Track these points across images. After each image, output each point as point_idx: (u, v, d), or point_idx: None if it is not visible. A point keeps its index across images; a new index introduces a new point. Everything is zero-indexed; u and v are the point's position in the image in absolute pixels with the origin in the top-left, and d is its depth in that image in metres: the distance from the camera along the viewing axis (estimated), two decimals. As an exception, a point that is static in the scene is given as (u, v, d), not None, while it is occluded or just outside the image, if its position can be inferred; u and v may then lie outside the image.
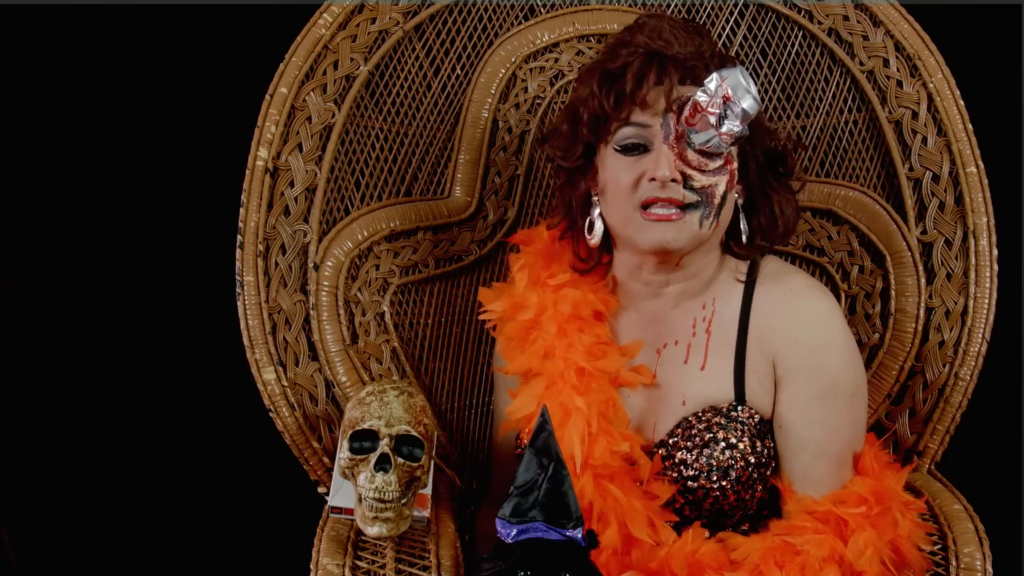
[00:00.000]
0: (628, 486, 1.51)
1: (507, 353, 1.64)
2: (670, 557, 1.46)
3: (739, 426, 1.50)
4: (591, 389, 1.55)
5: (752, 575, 1.45)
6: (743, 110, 1.42)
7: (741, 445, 1.49)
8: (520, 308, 1.63)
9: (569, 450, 1.51)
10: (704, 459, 1.49)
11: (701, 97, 1.42)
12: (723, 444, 1.49)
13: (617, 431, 1.53)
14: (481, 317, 1.72)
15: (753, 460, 1.50)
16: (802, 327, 1.52)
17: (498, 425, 1.71)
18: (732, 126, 1.43)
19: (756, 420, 1.52)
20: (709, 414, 1.52)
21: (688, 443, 1.51)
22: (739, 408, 1.52)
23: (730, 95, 1.41)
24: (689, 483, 1.50)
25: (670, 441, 1.53)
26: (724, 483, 1.49)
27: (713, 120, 1.42)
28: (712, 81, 1.42)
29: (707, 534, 1.52)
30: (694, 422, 1.52)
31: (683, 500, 1.52)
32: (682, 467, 1.51)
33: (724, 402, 1.53)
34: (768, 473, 1.53)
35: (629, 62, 1.49)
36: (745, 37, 1.90)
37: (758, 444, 1.51)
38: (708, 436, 1.50)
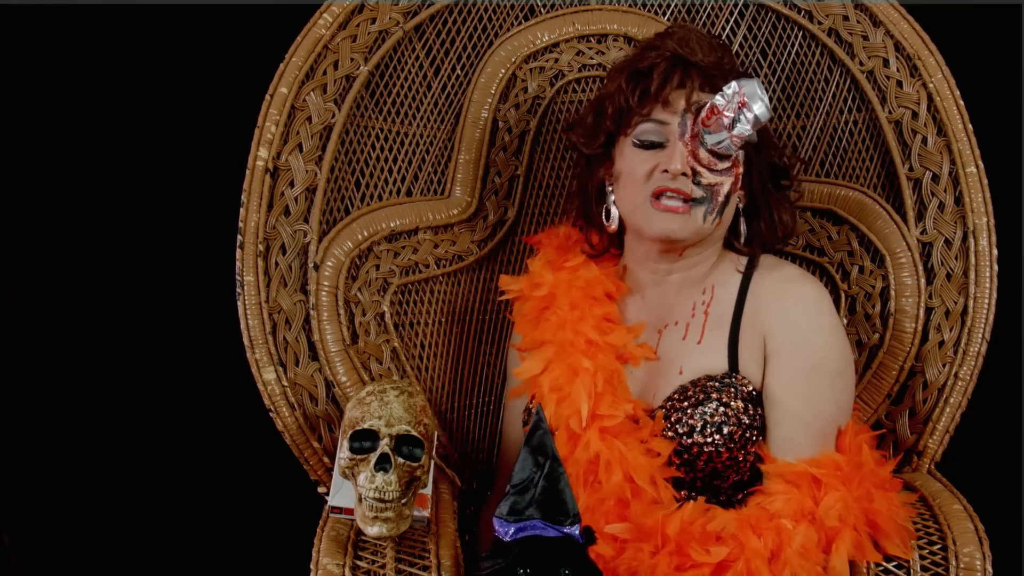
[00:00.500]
0: (631, 443, 1.58)
1: (522, 329, 1.73)
2: (667, 520, 1.50)
3: (732, 390, 1.58)
4: (598, 357, 1.64)
5: (734, 546, 1.48)
6: (755, 116, 1.53)
7: (734, 405, 1.57)
8: (536, 287, 1.72)
9: (576, 406, 1.61)
10: (698, 416, 1.57)
11: (719, 100, 1.54)
12: (716, 403, 1.57)
13: (620, 396, 1.62)
14: (501, 298, 1.80)
15: (746, 421, 1.57)
16: (792, 308, 1.61)
17: (506, 397, 1.79)
18: (743, 130, 1.54)
19: (749, 388, 1.59)
20: (704, 380, 1.60)
21: (684, 403, 1.59)
22: (733, 376, 1.60)
23: (745, 101, 1.52)
24: (684, 440, 1.57)
25: (667, 404, 1.61)
26: (717, 437, 1.56)
27: (727, 123, 1.54)
28: (730, 87, 1.53)
29: (706, 509, 1.55)
30: (690, 387, 1.60)
31: (678, 460, 1.58)
32: (678, 426, 1.58)
33: (719, 371, 1.61)
34: (760, 439, 1.59)
35: (656, 63, 1.61)
36: (745, 37, 1.90)
37: (750, 408, 1.58)
38: (702, 396, 1.58)
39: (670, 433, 1.58)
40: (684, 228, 1.59)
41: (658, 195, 1.58)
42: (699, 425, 1.56)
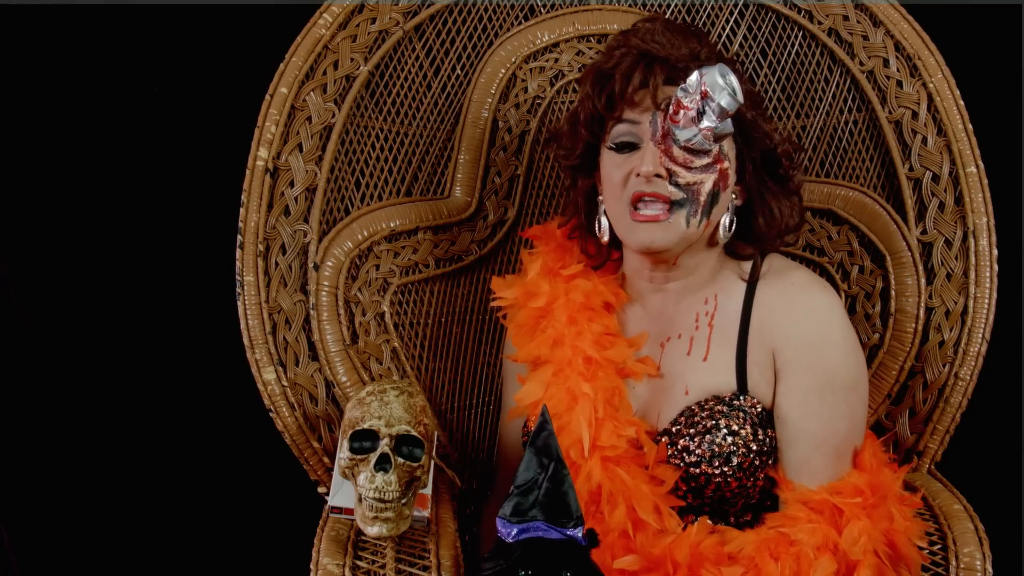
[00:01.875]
0: (635, 471, 1.53)
1: (517, 340, 1.67)
2: (674, 546, 1.47)
3: (741, 414, 1.52)
4: (598, 377, 1.58)
5: (748, 568, 1.45)
6: (719, 106, 1.44)
7: (743, 432, 1.51)
8: (532, 296, 1.66)
9: (576, 434, 1.54)
10: (706, 445, 1.51)
11: (680, 94, 1.46)
12: (725, 431, 1.51)
13: (623, 417, 1.56)
14: (493, 304, 1.74)
15: (755, 447, 1.51)
16: (801, 321, 1.54)
17: (505, 414, 1.74)
18: (710, 122, 1.46)
19: (758, 409, 1.54)
20: (711, 403, 1.54)
21: (691, 430, 1.53)
22: (741, 397, 1.54)
23: (708, 92, 1.44)
24: (691, 469, 1.52)
25: (673, 429, 1.55)
26: (726, 469, 1.50)
27: (692, 116, 1.46)
28: (692, 78, 1.45)
29: (711, 528, 1.52)
30: (696, 411, 1.54)
31: (685, 487, 1.53)
32: (684, 454, 1.52)
33: (726, 391, 1.55)
34: (770, 462, 1.54)
35: (619, 63, 1.54)
36: (745, 37, 1.90)
37: (760, 432, 1.52)
38: (710, 423, 1.52)
39: (676, 461, 1.53)
40: (665, 237, 1.51)
41: (635, 202, 1.51)
42: (707, 456, 1.50)
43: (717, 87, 1.44)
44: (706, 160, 1.50)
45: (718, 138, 1.49)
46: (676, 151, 1.49)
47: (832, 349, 1.53)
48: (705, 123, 1.46)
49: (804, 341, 1.53)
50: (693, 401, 1.56)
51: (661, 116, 1.50)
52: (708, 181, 1.51)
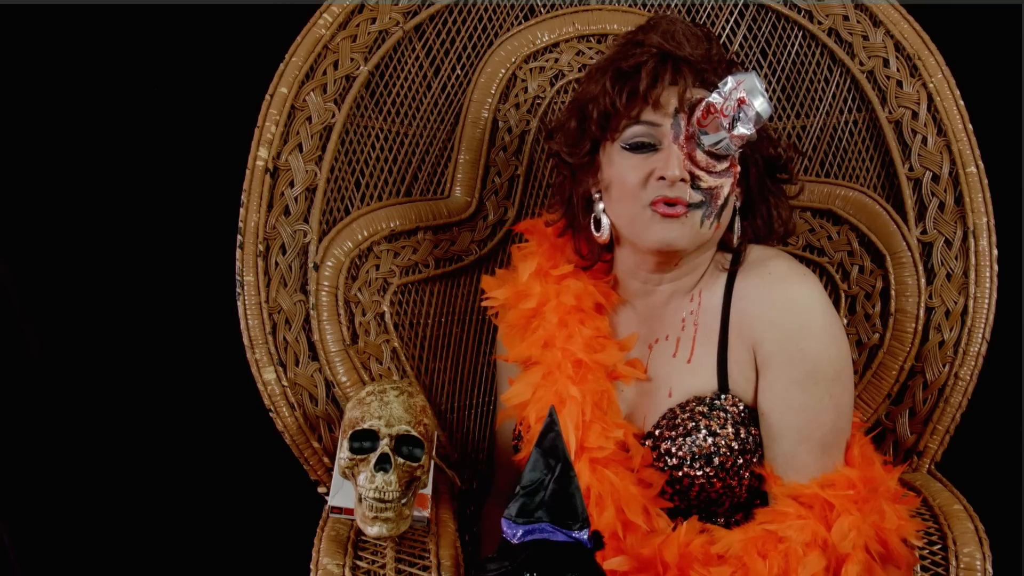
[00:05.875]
0: (623, 473, 1.52)
1: (508, 341, 1.66)
2: (664, 546, 1.46)
3: (722, 414, 1.51)
4: (587, 380, 1.57)
5: (737, 568, 1.45)
6: (756, 113, 1.43)
7: (723, 432, 1.50)
8: (523, 297, 1.65)
9: (564, 437, 1.51)
10: (687, 447, 1.50)
11: (715, 99, 1.44)
12: (705, 432, 1.50)
13: (611, 420, 1.55)
14: (483, 304, 1.73)
15: (737, 447, 1.50)
16: (779, 312, 1.51)
17: (497, 414, 1.73)
18: (744, 129, 1.44)
19: (740, 408, 1.52)
20: (692, 404, 1.53)
21: (672, 433, 1.52)
22: (722, 397, 1.53)
23: (745, 98, 1.42)
24: (674, 472, 1.51)
25: (656, 432, 1.55)
26: (708, 470, 1.50)
27: (726, 123, 1.44)
28: (727, 84, 1.43)
29: (701, 528, 1.52)
30: (678, 412, 1.54)
31: (671, 490, 1.53)
32: (667, 457, 1.51)
33: (708, 392, 1.54)
34: (755, 460, 1.53)
35: (643, 61, 1.51)
36: (745, 37, 1.90)
37: (742, 432, 1.51)
38: (691, 425, 1.51)
39: (659, 464, 1.52)
40: (683, 236, 1.49)
41: (655, 205, 1.49)
42: (688, 458, 1.50)
43: (755, 93, 1.42)
44: (725, 164, 1.49)
45: (744, 143, 1.47)
46: (700, 155, 1.47)
47: (812, 339, 1.50)
48: (740, 129, 1.43)
49: (783, 333, 1.50)
50: (675, 403, 1.55)
51: (685, 119, 1.48)
52: (726, 185, 1.50)
